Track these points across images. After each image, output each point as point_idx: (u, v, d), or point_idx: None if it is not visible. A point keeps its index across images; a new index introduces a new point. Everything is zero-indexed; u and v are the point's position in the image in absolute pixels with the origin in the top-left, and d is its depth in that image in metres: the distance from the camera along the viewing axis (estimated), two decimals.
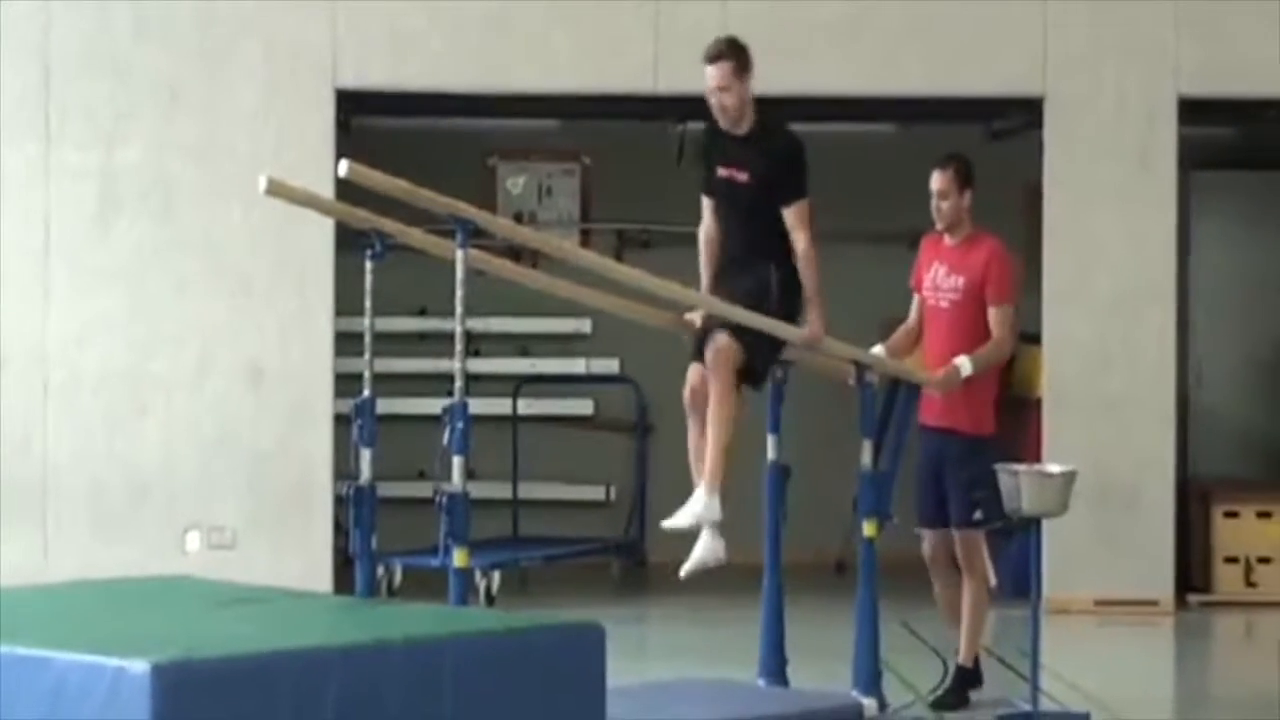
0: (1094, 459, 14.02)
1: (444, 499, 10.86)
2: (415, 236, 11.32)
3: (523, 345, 17.71)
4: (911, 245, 16.59)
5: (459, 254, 10.64)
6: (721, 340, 11.10)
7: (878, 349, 12.07)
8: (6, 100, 15.87)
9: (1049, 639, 12.03)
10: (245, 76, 15.79)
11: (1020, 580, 12.38)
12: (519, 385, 17.28)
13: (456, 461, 10.77)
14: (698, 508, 11.26)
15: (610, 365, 16.83)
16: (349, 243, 13.27)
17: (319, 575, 15.13)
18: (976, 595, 11.97)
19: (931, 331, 12.14)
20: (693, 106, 12.65)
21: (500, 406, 16.88)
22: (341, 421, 14.36)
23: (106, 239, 15.84)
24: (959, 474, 11.90)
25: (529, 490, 16.95)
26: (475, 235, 10.69)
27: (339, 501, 14.47)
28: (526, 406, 17.26)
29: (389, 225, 11.28)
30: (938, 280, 12.12)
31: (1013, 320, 12.09)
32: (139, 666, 8.85)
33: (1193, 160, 16.59)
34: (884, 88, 15.88)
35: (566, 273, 12.58)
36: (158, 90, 15.85)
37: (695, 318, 11.44)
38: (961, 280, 12.03)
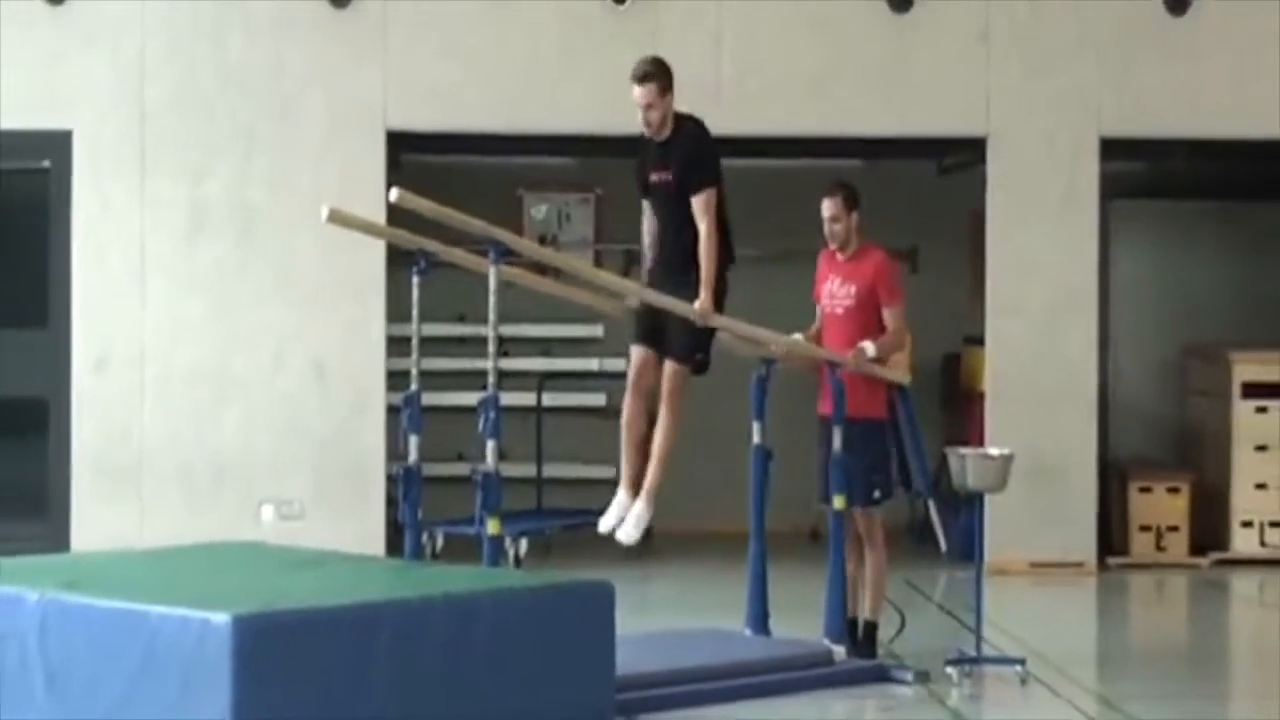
0: (1029, 444, 14.00)
1: (479, 477, 10.92)
2: (455, 254, 11.35)
3: (545, 347, 17.70)
4: None
5: (492, 269, 10.70)
6: (671, 369, 11.20)
7: (797, 335, 12.03)
8: (111, 139, 15.89)
9: (990, 596, 12.06)
10: (311, 120, 15.80)
11: (966, 546, 12.37)
12: (542, 381, 17.27)
13: (490, 445, 10.82)
14: (641, 519, 11.32)
15: (620, 364, 16.80)
16: (399, 260, 13.31)
17: (373, 542, 15.13)
18: (877, 562, 11.89)
19: (830, 335, 12.02)
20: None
21: (526, 399, 16.85)
22: (393, 412, 14.39)
23: (194, 257, 15.86)
24: (859, 458, 11.74)
25: (551, 470, 16.94)
26: (505, 254, 10.75)
27: (390, 479, 14.52)
28: (549, 399, 17.25)
29: (432, 245, 11.31)
30: (833, 290, 12.02)
31: (902, 315, 11.95)
32: (221, 618, 8.88)
33: (1111, 191, 16.56)
34: (852, 129, 15.85)
35: (582, 285, 12.58)
36: (237, 132, 15.86)
37: (633, 303, 11.55)
38: (853, 288, 11.92)
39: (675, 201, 11.18)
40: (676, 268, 11.19)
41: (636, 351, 11.38)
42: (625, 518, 11.26)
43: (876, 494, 11.81)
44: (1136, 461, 17.00)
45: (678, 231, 11.21)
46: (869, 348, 11.65)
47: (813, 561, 12.28)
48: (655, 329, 11.29)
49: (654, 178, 11.28)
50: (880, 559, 11.96)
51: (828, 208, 12.00)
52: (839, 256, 12.05)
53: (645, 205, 11.48)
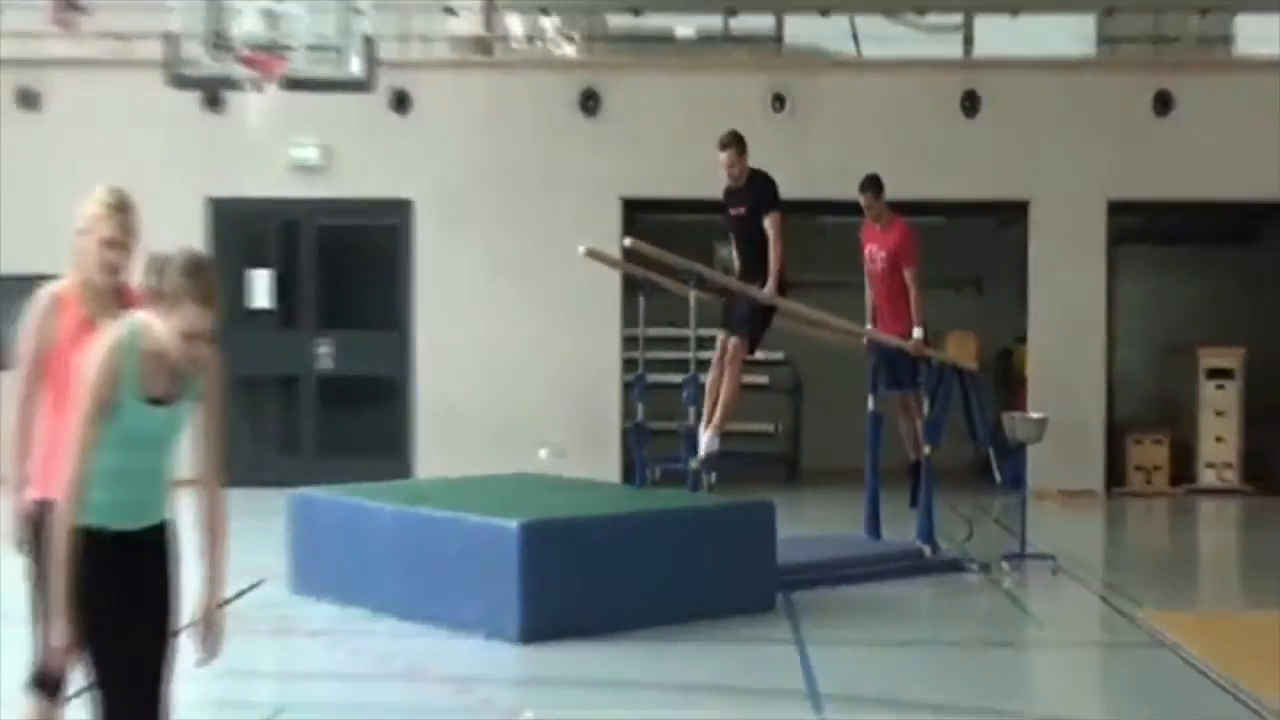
0: (1058, 410, 13.88)
1: (683, 430, 10.99)
2: (667, 282, 11.44)
3: None
4: (950, 286, 16.63)
5: (692, 292, 10.80)
6: (733, 343, 11.16)
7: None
8: (437, 207, 16.11)
9: (1030, 514, 11.99)
10: (569, 191, 15.95)
11: (1014, 480, 12.28)
12: None
13: (690, 410, 10.91)
14: (705, 440, 11.13)
15: (778, 355, 16.79)
16: (630, 285, 13.37)
17: (612, 474, 15.25)
18: (918, 421, 11.85)
19: (872, 285, 12.08)
20: (828, 206, 12.63)
21: None
22: (626, 387, 14.54)
23: (492, 285, 16.04)
24: (901, 363, 11.81)
25: (733, 426, 16.84)
26: (700, 282, 10.81)
27: (624, 432, 14.66)
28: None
29: (654, 277, 11.42)
30: (873, 253, 12.08)
31: (916, 276, 11.84)
32: (512, 524, 9.07)
33: (1116, 238, 16.40)
34: (933, 194, 15.80)
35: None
36: (519, 200, 16.04)
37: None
38: (885, 252, 11.96)
39: (749, 226, 11.16)
40: (749, 271, 11.15)
41: (722, 336, 11.33)
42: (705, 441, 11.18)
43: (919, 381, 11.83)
44: (1132, 423, 16.79)
45: (750, 247, 11.18)
46: (918, 332, 11.64)
47: (896, 485, 12.24)
48: (729, 315, 11.29)
49: (734, 212, 11.30)
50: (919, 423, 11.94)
51: (865, 199, 12.09)
52: (876, 227, 12.10)
53: (729, 227, 11.49)
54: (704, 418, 11.14)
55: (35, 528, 5.27)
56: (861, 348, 12.26)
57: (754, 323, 11.19)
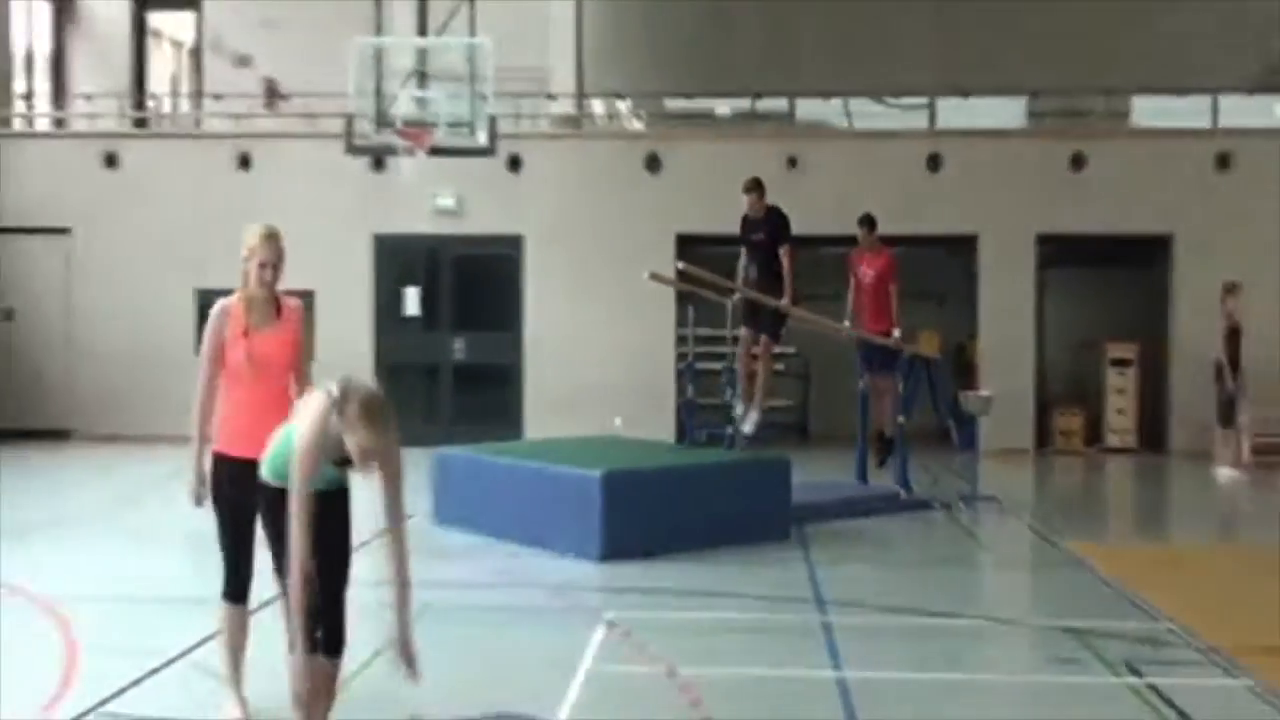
0: (1001, 389, 13.77)
1: (725, 403, 10.91)
2: (708, 293, 11.36)
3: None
4: (919, 298, 16.45)
5: (729, 302, 10.74)
6: (764, 341, 10.99)
7: (847, 323, 11.87)
8: (541, 240, 16.09)
9: (981, 468, 11.91)
10: (637, 229, 15.85)
11: (968, 443, 12.17)
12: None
13: (728, 389, 10.84)
14: (753, 417, 10.99)
15: (791, 349, 16.71)
16: (681, 297, 13.30)
17: (668, 436, 15.11)
18: (894, 394, 11.59)
19: (864, 297, 11.79)
20: (827, 240, 12.53)
21: None
22: (679, 373, 14.48)
23: (578, 296, 16.00)
24: (877, 354, 11.66)
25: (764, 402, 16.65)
26: (733, 293, 10.72)
27: (677, 406, 14.59)
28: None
29: (699, 291, 11.34)
30: (864, 271, 11.81)
31: (897, 288, 11.59)
32: (595, 473, 9.00)
33: (1043, 263, 16.21)
34: (906, 230, 15.63)
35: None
36: (599, 235, 16.00)
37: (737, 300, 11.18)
38: (874, 271, 11.73)
39: (766, 251, 10.92)
40: (767, 286, 10.89)
41: (744, 330, 11.12)
42: (744, 416, 11.05)
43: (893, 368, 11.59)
44: (1055, 398, 16.59)
45: (766, 267, 10.93)
46: (896, 332, 11.45)
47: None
48: (751, 317, 11.05)
49: (754, 238, 11.00)
50: (894, 396, 11.67)
51: (862, 235, 11.91)
52: (868, 253, 11.89)
53: (744, 253, 11.11)
54: (742, 395, 11.08)
55: (216, 478, 5.35)
56: (852, 342, 12.14)
57: (776, 324, 11.07)
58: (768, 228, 10.98)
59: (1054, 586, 8.82)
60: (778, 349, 11.88)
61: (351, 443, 4.45)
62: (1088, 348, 16.69)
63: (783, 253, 10.87)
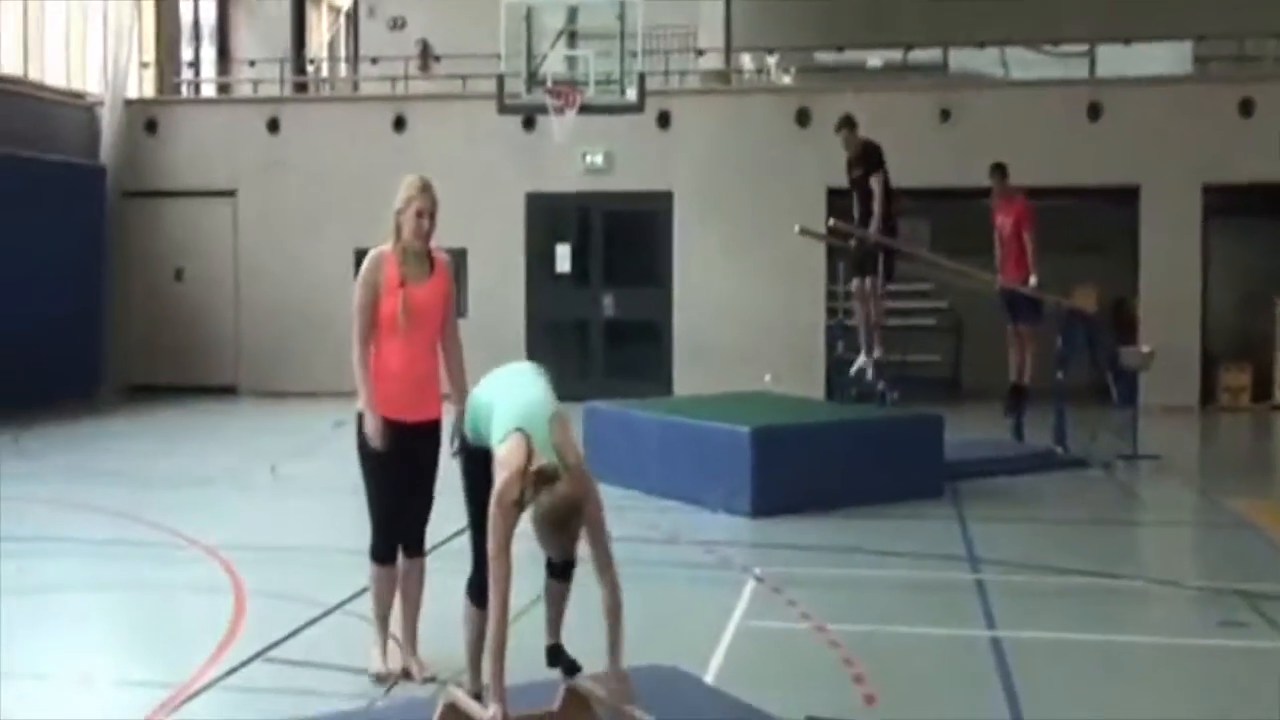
0: (1163, 344, 13.32)
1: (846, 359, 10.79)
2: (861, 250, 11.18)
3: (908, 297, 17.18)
4: (1077, 252, 15.99)
5: (880, 257, 10.55)
6: (868, 282, 10.92)
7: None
8: (690, 196, 16.05)
9: (1142, 425, 11.56)
10: (788, 181, 15.67)
11: (1127, 399, 11.82)
12: (905, 316, 16.67)
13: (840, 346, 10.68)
14: (861, 360, 11.02)
15: (943, 304, 16.41)
16: (831, 252, 13.13)
17: (818, 393, 14.98)
18: (1037, 346, 11.47)
19: (1002, 246, 11.57)
20: (983, 192, 12.25)
21: (902, 321, 16.21)
22: (828, 329, 14.34)
23: (728, 254, 15.93)
24: (1018, 302, 11.42)
25: (911, 357, 16.35)
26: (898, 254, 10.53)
27: (827, 365, 14.44)
28: (915, 320, 16.56)
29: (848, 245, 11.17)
30: (1002, 220, 11.57)
31: (1034, 237, 11.33)
32: (745, 429, 8.97)
33: (1208, 213, 15.59)
34: (1065, 182, 15.22)
35: (927, 261, 12.26)
36: (747, 192, 15.85)
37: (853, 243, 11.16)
38: (1010, 220, 11.45)
39: (864, 184, 10.81)
40: (864, 221, 10.83)
41: (856, 282, 11.18)
42: (858, 361, 11.13)
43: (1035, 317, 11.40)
44: (1222, 352, 15.96)
45: (866, 202, 10.83)
46: (1032, 279, 11.19)
47: (1035, 402, 11.85)
48: (859, 262, 11.03)
49: (853, 175, 10.95)
50: (1029, 349, 11.52)
51: (994, 180, 11.64)
52: (1002, 202, 11.64)
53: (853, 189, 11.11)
54: (864, 342, 11.02)
55: (363, 437, 5.24)
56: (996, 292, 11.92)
57: (875, 261, 10.96)
58: (864, 163, 10.80)
59: (1219, 547, 8.52)
60: (928, 303, 11.70)
61: (540, 540, 4.20)
62: (1256, 300, 16.05)
63: (873, 182, 10.65)
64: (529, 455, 4.21)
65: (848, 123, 10.91)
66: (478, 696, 4.51)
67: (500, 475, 4.24)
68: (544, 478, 4.14)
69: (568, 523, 4.11)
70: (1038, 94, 15.82)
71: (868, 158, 10.84)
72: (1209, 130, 15.24)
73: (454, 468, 4.91)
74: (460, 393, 5.25)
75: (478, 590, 4.63)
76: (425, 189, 5.33)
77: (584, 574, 4.53)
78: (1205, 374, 15.56)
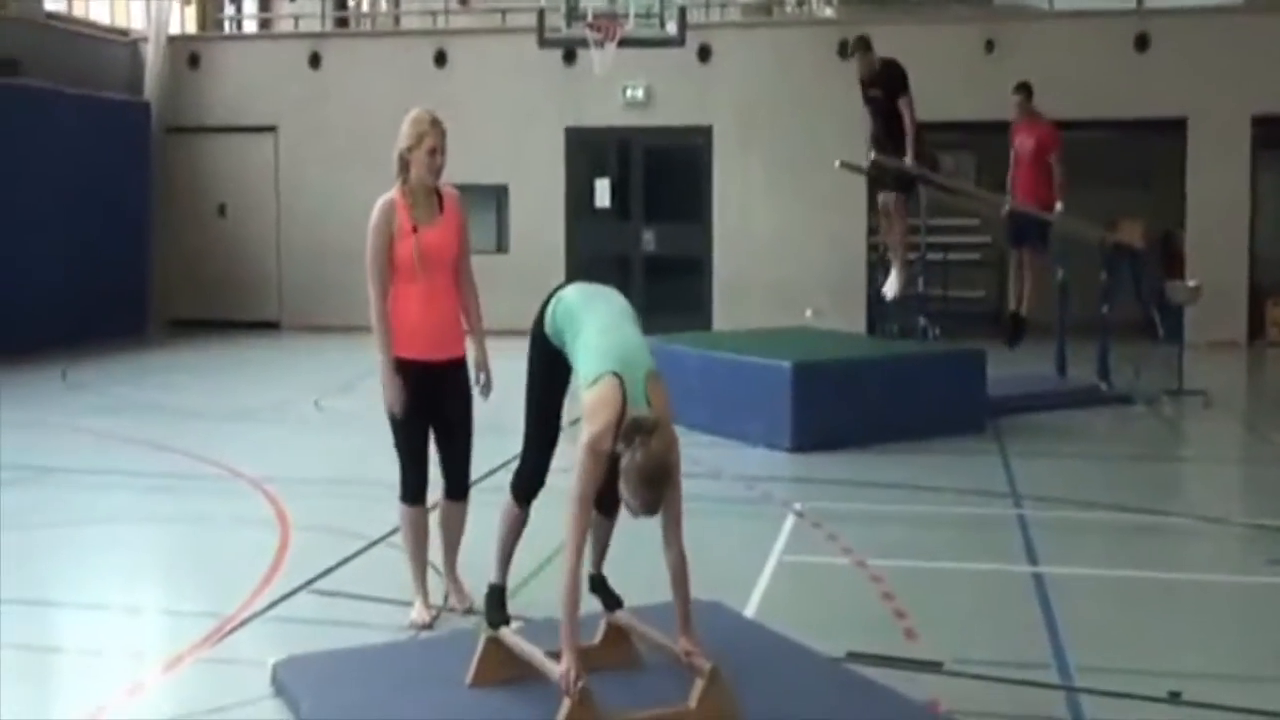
0: (1210, 279, 13.12)
1: (915, 296, 10.64)
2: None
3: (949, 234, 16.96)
4: (1123, 185, 15.73)
5: (921, 188, 10.39)
6: (894, 198, 10.68)
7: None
8: (729, 131, 15.88)
9: (1187, 360, 11.41)
10: (829, 114, 15.45)
11: (1173, 334, 11.66)
12: (947, 249, 16.40)
13: (920, 280, 10.54)
14: (891, 281, 10.76)
15: (986, 238, 16.24)
16: (874, 188, 12.96)
17: (859, 329, 14.88)
18: (1042, 274, 11.25)
19: (1020, 169, 11.24)
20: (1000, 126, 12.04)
21: (944, 256, 16.05)
22: (870, 264, 14.18)
23: (770, 188, 15.81)
24: (1028, 226, 11.14)
25: (953, 292, 16.10)
26: (928, 183, 10.37)
27: (868, 300, 14.31)
28: (956, 255, 16.37)
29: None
30: (1022, 141, 11.21)
31: (1060, 160, 10.96)
32: (786, 364, 8.92)
33: (1258, 145, 15.27)
34: (1111, 114, 14.96)
35: (968, 196, 12.07)
36: (792, 126, 15.68)
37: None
38: (1033, 142, 11.11)
39: (884, 106, 10.42)
40: (887, 144, 10.47)
41: (882, 195, 10.94)
42: (886, 282, 10.89)
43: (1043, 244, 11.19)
44: (1270, 287, 15.63)
45: (886, 127, 10.46)
46: (1059, 206, 10.88)
47: (1079, 337, 11.70)
48: (880, 179, 10.83)
49: (870, 94, 10.55)
50: (1043, 275, 11.27)
51: (1019, 99, 11.30)
52: (1025, 123, 11.29)
53: (866, 111, 10.68)
54: (894, 260, 10.81)
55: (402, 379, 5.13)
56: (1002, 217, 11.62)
57: (902, 182, 10.67)
58: (885, 84, 10.44)
59: (1267, 485, 8.40)
60: (972, 238, 11.54)
61: (626, 494, 3.96)
62: None
63: (902, 105, 10.37)
64: (624, 405, 4.00)
65: (862, 43, 10.54)
66: (502, 590, 4.56)
67: (594, 421, 3.99)
68: (639, 429, 3.92)
69: (660, 482, 3.90)
70: (1084, 25, 15.48)
71: (890, 78, 10.44)
72: (1258, 61, 14.90)
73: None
74: (478, 334, 5.23)
75: (525, 486, 4.53)
76: (436, 123, 5.20)
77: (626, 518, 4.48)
78: (1253, 309, 15.30)
